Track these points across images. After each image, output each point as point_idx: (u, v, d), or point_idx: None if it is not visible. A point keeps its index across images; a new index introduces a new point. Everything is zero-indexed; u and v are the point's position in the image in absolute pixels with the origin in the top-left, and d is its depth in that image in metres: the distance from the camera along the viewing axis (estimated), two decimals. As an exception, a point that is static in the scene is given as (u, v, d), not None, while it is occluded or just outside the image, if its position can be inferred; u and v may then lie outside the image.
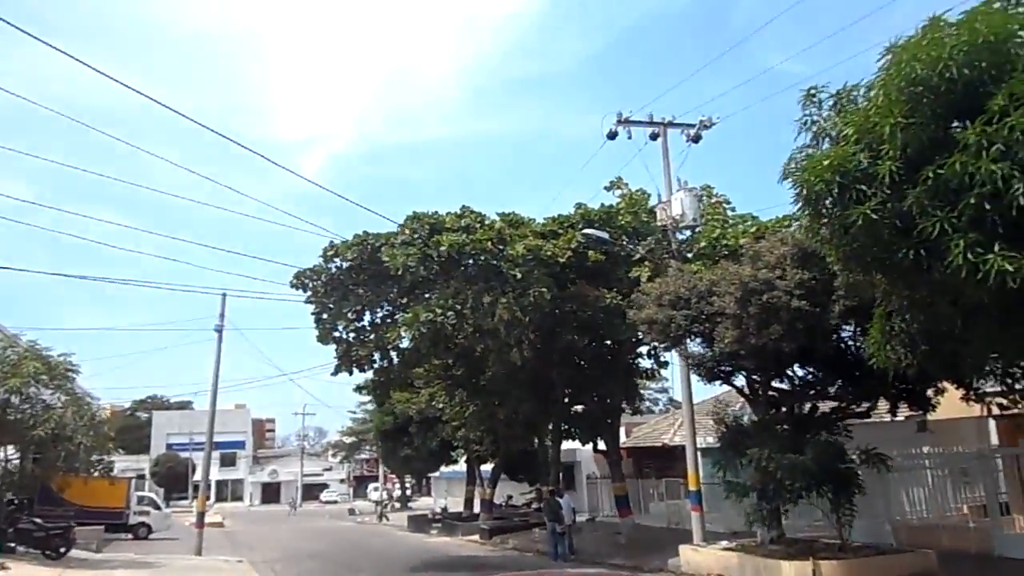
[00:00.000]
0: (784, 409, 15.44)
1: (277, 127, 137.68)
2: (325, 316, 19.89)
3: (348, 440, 77.27)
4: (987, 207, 6.46)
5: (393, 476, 60.47)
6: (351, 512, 53.61)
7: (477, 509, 33.61)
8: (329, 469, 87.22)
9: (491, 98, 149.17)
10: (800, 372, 15.12)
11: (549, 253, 18.73)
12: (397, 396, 34.02)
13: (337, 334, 19.88)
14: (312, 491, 77.63)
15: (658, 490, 26.56)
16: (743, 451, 14.00)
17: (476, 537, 28.21)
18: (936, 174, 6.71)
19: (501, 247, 18.59)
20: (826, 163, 7.42)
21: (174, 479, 71.43)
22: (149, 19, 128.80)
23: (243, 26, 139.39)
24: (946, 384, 13.33)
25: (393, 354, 20.23)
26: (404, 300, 19.79)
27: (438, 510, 39.81)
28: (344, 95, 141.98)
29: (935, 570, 13.17)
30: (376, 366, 20.61)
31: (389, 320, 20.12)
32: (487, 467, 33.46)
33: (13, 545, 19.36)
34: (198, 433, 60.77)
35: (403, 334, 18.96)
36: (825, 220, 8.04)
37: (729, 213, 20.17)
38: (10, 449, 20.28)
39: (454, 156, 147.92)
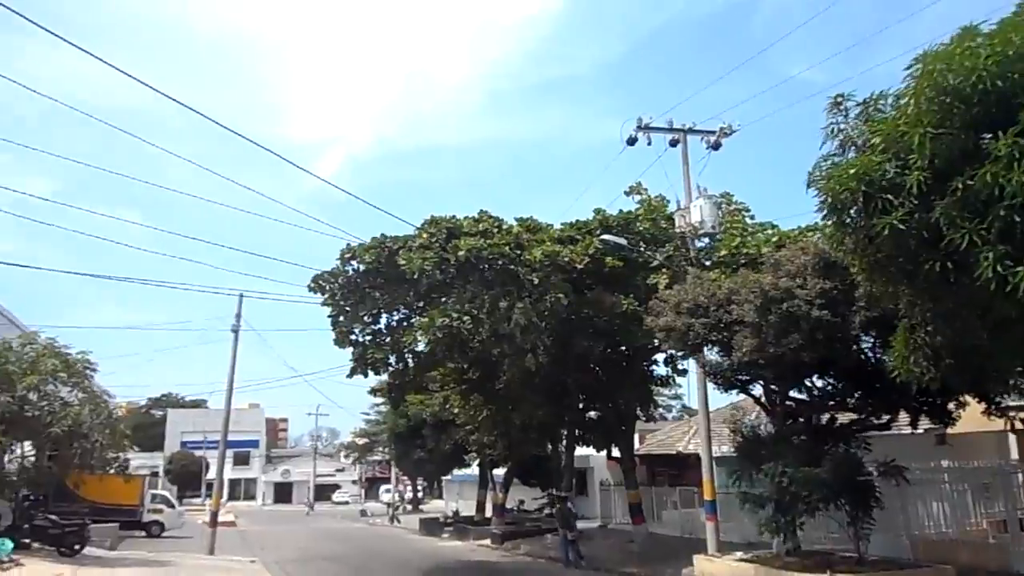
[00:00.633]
0: (802, 420, 15.32)
1: (293, 128, 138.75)
2: (342, 319, 19.95)
3: (361, 442, 77.40)
4: (1017, 219, 6.34)
5: (405, 478, 60.54)
6: (363, 513, 53.74)
7: (489, 513, 33.54)
8: (341, 470, 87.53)
9: (509, 102, 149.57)
10: (819, 383, 15.02)
11: (567, 259, 18.70)
12: (411, 399, 34.03)
13: (353, 337, 19.95)
14: (324, 492, 77.94)
15: (672, 498, 26.39)
16: (759, 462, 13.90)
17: (488, 542, 28.18)
18: (966, 185, 6.61)
19: (518, 252, 18.60)
20: (852, 172, 7.32)
21: (188, 477, 71.94)
22: (165, 19, 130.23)
23: (260, 27, 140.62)
24: (968, 398, 13.18)
25: (409, 357, 20.31)
26: (420, 304, 19.82)
27: (450, 513, 39.84)
28: (362, 97, 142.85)
29: (954, 586, 12.98)
30: (391, 369, 20.71)
31: (405, 323, 20.19)
32: (500, 471, 33.39)
33: (28, 541, 19.52)
34: (212, 432, 61.11)
35: (419, 338, 19.01)
36: (850, 230, 7.92)
37: (748, 221, 20.05)
38: (27, 446, 20.49)
39: (472, 160, 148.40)
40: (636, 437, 27.42)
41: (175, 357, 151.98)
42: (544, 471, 30.95)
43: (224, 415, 28.27)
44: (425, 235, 18.89)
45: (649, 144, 18.85)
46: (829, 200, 7.70)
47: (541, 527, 28.15)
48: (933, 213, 6.90)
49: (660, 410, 49.22)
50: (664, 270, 18.56)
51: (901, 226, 7.05)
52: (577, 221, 20.77)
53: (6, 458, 19.89)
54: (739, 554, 16.09)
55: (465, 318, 17.83)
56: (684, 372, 22.25)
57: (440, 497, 58.54)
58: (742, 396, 17.46)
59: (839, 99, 8.19)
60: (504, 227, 19.53)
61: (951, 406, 13.67)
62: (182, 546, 27.13)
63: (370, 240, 19.41)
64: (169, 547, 26.61)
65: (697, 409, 19.89)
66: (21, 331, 21.37)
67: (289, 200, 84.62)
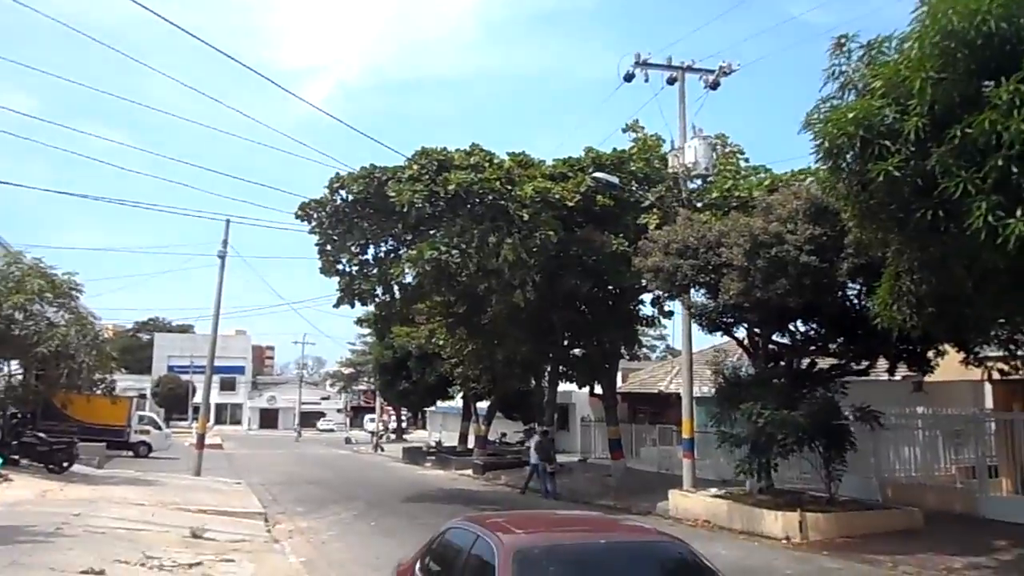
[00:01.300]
0: (783, 363, 15.52)
1: (281, 53, 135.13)
2: (329, 248, 19.85)
3: (347, 371, 78.32)
4: (1013, 169, 6.30)
5: (390, 408, 61.42)
6: (347, 441, 54.70)
7: (471, 445, 34.22)
8: (327, 398, 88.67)
9: (506, 32, 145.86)
10: (802, 327, 15.16)
11: (558, 196, 18.55)
12: (397, 331, 34.24)
13: (340, 267, 19.86)
14: (309, 419, 79.11)
15: (651, 436, 26.92)
16: (739, 403, 14.13)
17: (469, 472, 28.79)
18: (964, 133, 6.53)
19: (509, 187, 18.40)
20: (850, 116, 7.22)
21: (175, 400, 72.75)
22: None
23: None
24: (947, 347, 13.38)
25: (396, 289, 20.23)
26: (409, 236, 19.70)
27: (433, 444, 40.56)
28: (354, 23, 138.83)
29: (920, 528, 13.43)
30: (378, 300, 20.64)
31: (393, 255, 20.07)
32: (483, 404, 33.90)
33: (17, 458, 19.77)
34: (199, 356, 61.41)
35: (407, 270, 18.94)
36: (844, 175, 7.89)
37: (743, 164, 19.90)
38: (14, 364, 20.53)
39: (465, 92, 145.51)
40: (619, 375, 27.75)
41: (162, 282, 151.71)
42: (527, 405, 31.42)
43: (211, 340, 28.33)
44: (415, 167, 18.61)
45: (647, 81, 18.54)
46: (825, 144, 7.62)
47: (522, 459, 28.69)
48: (929, 160, 6.85)
49: (644, 350, 49.78)
50: (655, 210, 18.49)
51: (896, 173, 7.00)
52: (569, 158, 20.50)
53: (-7, 376, 19.97)
54: (713, 491, 16.50)
55: (453, 252, 17.76)
56: (670, 314, 22.39)
57: (424, 428, 59.59)
58: (726, 338, 17.67)
59: (843, 39, 8.01)
60: (496, 162, 19.23)
61: (930, 354, 13.87)
62: (169, 467, 27.58)
63: (359, 170, 19.13)
64: (156, 467, 27.05)
65: (681, 350, 20.15)
66: (6, 251, 21.13)
67: (277, 127, 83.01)
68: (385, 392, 47.34)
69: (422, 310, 25.50)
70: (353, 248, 19.82)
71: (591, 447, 31.13)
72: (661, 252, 14.68)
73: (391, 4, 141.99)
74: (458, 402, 38.88)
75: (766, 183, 17.47)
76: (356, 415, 79.06)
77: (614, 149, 20.61)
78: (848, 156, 7.59)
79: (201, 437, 26.99)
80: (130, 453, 31.48)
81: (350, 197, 19.29)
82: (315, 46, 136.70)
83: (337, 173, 19.36)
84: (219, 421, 78.10)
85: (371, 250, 20.30)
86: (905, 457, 16.84)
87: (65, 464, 20.28)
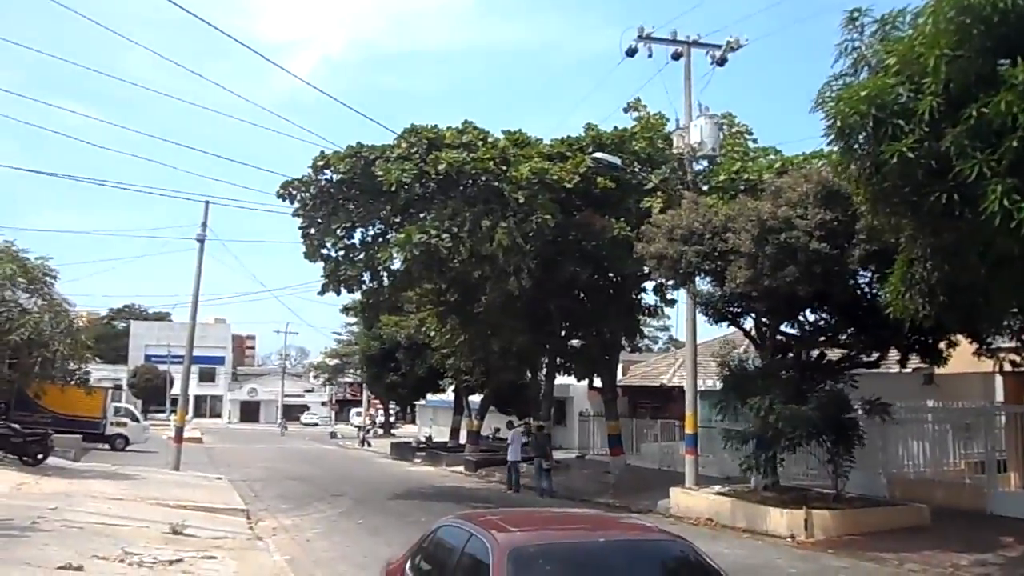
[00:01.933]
0: (791, 355, 15.65)
1: (263, 25, 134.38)
2: (313, 231, 19.88)
3: (332, 362, 78.34)
4: (1030, 152, 6.38)
5: (377, 401, 61.56)
6: (333, 436, 54.82)
7: (463, 440, 34.36)
8: (311, 391, 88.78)
9: (500, 4, 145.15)
10: (812, 317, 15.30)
11: (555, 177, 18.55)
12: (385, 320, 34.33)
13: (325, 251, 19.90)
14: (292, 412, 79.34)
15: (652, 431, 27.05)
16: (745, 396, 14.25)
17: (461, 468, 28.93)
18: (979, 113, 6.60)
19: (504, 168, 18.42)
20: (863, 94, 7.27)
21: (152, 392, 72.73)
22: None
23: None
24: (959, 337, 13.50)
25: (384, 275, 20.24)
26: (397, 219, 19.75)
27: (422, 439, 40.70)
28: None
29: (927, 524, 13.63)
30: (365, 287, 20.66)
31: (381, 239, 20.10)
32: (476, 398, 34.02)
33: (-11, 449, 19.78)
34: (177, 346, 61.50)
35: (395, 255, 18.93)
36: (856, 156, 7.94)
37: (751, 145, 19.95)
38: (-15, 353, 20.49)
39: (458, 67, 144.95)
40: (619, 368, 27.86)
41: (138, 267, 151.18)
42: (522, 399, 31.54)
43: (189, 329, 28.40)
44: (404, 145, 18.63)
45: (650, 56, 18.54)
46: (837, 124, 7.66)
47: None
48: (943, 141, 6.91)
49: (646, 341, 50.03)
50: (659, 193, 18.51)
51: (910, 154, 7.06)
52: (568, 137, 20.50)
53: (-37, 365, 19.96)
54: (717, 488, 16.66)
55: (444, 236, 17.76)
56: (673, 303, 22.57)
57: (413, 422, 59.74)
58: (732, 329, 17.77)
59: (855, 14, 8.06)
60: (490, 140, 19.28)
61: (942, 345, 14.01)
62: (147, 461, 27.67)
63: (345, 148, 19.14)
64: (134, 461, 27.13)
65: (684, 341, 20.23)
66: (-26, 232, 21.12)
67: (258, 103, 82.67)
68: (372, 385, 47.51)
69: (411, 298, 25.58)
70: (338, 231, 19.84)
71: (590, 443, 31.27)
72: (665, 238, 14.73)
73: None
74: (449, 395, 39.02)
75: (775, 165, 17.52)
76: (342, 409, 79.25)
77: (615, 128, 20.62)
78: (861, 136, 7.64)
79: (180, 430, 27.07)
80: (106, 446, 31.58)
81: (335, 177, 19.29)
82: (297, 18, 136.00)
83: (322, 152, 19.38)
84: (198, 414, 78.18)
85: (358, 234, 20.37)
86: (914, 452, 17.02)
87: (40, 456, 20.32)
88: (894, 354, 15.07)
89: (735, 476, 17.43)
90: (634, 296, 23.73)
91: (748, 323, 16.41)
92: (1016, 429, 14.77)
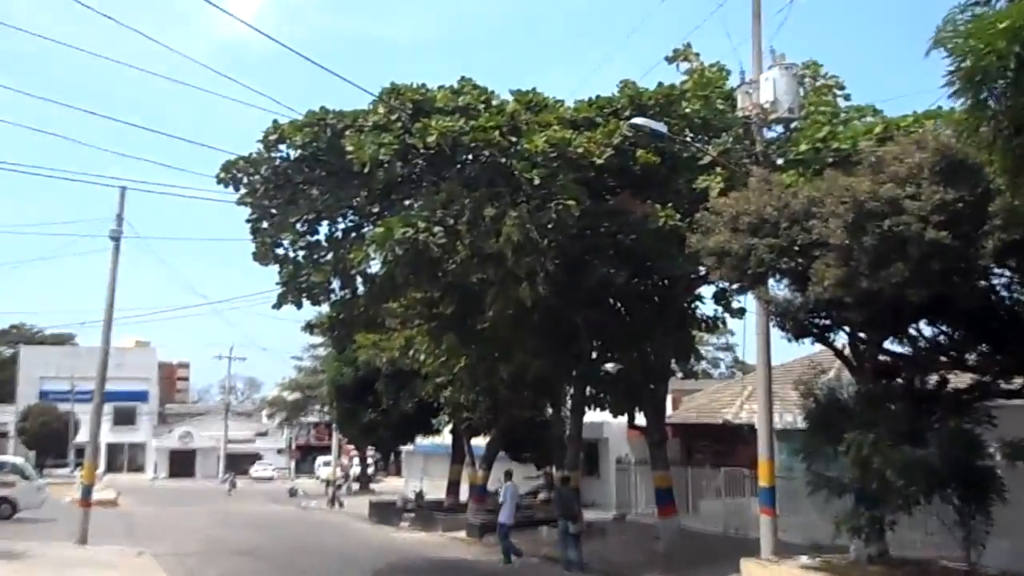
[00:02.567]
0: (900, 380, 15.50)
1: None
2: (265, 225, 19.93)
3: (291, 397, 78.71)
4: None
5: (351, 447, 61.68)
6: (293, 493, 55.07)
7: (464, 497, 34.31)
8: (264, 434, 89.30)
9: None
10: (927, 331, 15.12)
11: (581, 150, 18.48)
12: (361, 340, 34.19)
13: (281, 251, 19.96)
14: (240, 463, 79.62)
15: (714, 483, 26.96)
16: (838, 436, 14.08)
17: (462, 534, 28.84)
18: None
19: (513, 139, 18.40)
20: (1002, 26, 7.10)
21: (50, 439, 72.93)
22: None
23: None
24: None
25: (358, 282, 20.33)
26: (375, 208, 19.83)
27: (411, 495, 40.69)
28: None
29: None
30: (334, 298, 20.76)
31: (354, 235, 20.19)
32: (480, 441, 33.99)
33: None
34: (84, 378, 61.64)
35: (372, 255, 18.94)
36: (991, 112, 7.81)
37: (842, 104, 19.79)
38: None
39: (450, 8, 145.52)
40: (669, 400, 27.82)
41: (30, 275, 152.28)
42: (540, 442, 31.50)
43: (100, 355, 28.27)
44: (382, 111, 18.64)
45: (705, -12, 18.43)
46: (965, 68, 7.49)
47: (535, 516, 28.74)
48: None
49: (703, 364, 49.96)
50: (718, 170, 18.40)
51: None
52: (598, 98, 20.48)
53: None
54: (804, 559, 16.44)
55: (436, 230, 17.67)
56: (740, 313, 22.38)
57: (398, 474, 59.86)
58: (819, 347, 17.61)
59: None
60: (494, 103, 19.25)
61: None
62: (43, 532, 27.62)
63: (306, 116, 19.14)
64: (25, 533, 27.09)
65: (755, 364, 20.07)
66: None
67: (190, 56, 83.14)
68: (345, 425, 47.58)
69: (395, 311, 25.53)
70: (299, 225, 19.88)
71: (631, 499, 31.24)
72: (728, 228, 14.63)
73: None
74: (445, 438, 39.09)
75: (876, 130, 17.36)
76: (304, 457, 79.54)
77: (660, 85, 20.57)
78: (998, 84, 7.46)
79: (88, 490, 26.94)
80: (-13, 514, 31.59)
81: (293, 154, 19.33)
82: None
83: (275, 121, 19.34)
84: (113, 468, 78.63)
85: (323, 228, 20.41)
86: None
87: None
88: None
89: (827, 543, 17.21)
90: (687, 305, 23.67)
91: (840, 339, 16.26)
92: None
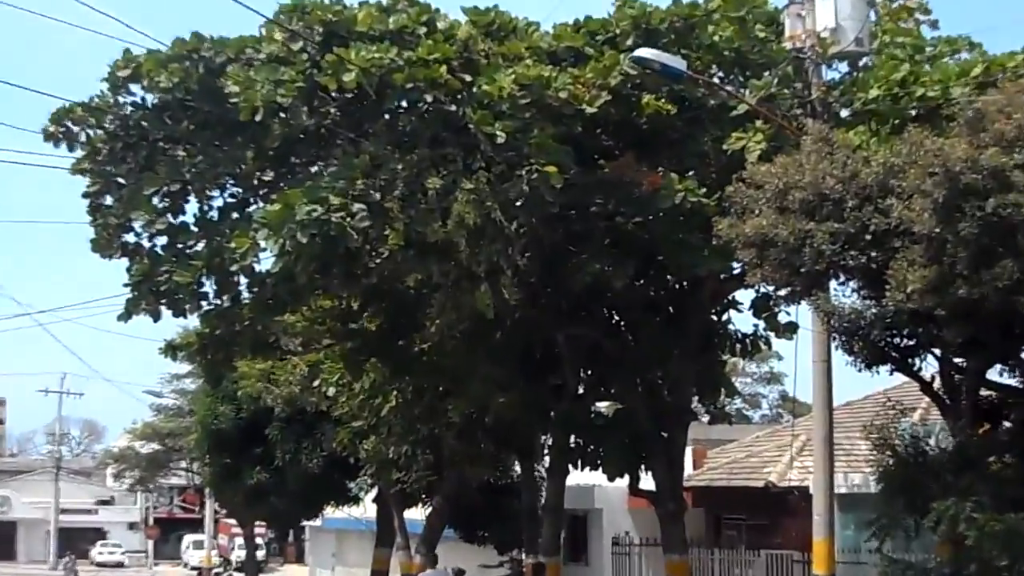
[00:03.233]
0: (1008, 425, 15.65)
1: None
2: (110, 201, 19.97)
3: (145, 449, 77.98)
4: None
5: (232, 521, 61.25)
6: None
7: (395, 595, 34.22)
8: (108, 502, 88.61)
9: None
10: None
11: (564, 95, 18.40)
12: (246, 368, 34.05)
13: (132, 237, 19.99)
14: (77, 541, 79.12)
15: (751, 570, 27.09)
16: (924, 504, 14.23)
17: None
18: None
19: (467, 78, 18.33)
20: None
21: None
22: None
23: None
24: None
25: (242, 284, 20.20)
26: (267, 176, 19.89)
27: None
28: None
29: None
30: (207, 307, 20.65)
31: (236, 215, 20.16)
32: (417, 514, 34.01)
33: None
34: None
35: (263, 243, 18.77)
36: None
37: (928, 34, 19.99)
38: None
39: None
40: (689, 454, 27.84)
41: None
42: (504, 516, 31.44)
43: None
44: (280, 38, 18.61)
45: None
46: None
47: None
48: None
49: (738, 403, 50.08)
50: (759, 124, 18.44)
51: None
52: (587, 20, 20.40)
53: None
54: None
55: (356, 208, 17.54)
56: (790, 330, 22.44)
57: (300, 560, 59.68)
58: (899, 378, 17.72)
59: None
60: (440, 27, 19.19)
61: None
62: None
63: (172, 45, 19.07)
64: None
65: (810, 403, 20.15)
66: None
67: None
68: (222, 490, 47.30)
69: (295, 326, 25.43)
70: (157, 200, 19.81)
71: (632, 595, 31.27)
72: (772, 207, 14.68)
73: None
74: (368, 510, 38.98)
75: (974, 71, 17.52)
76: (167, 535, 78.97)
77: (676, 1, 20.56)
78: None
79: None
80: None
81: (152, 98, 19.32)
82: None
83: (127, 51, 19.31)
84: None
85: (192, 204, 20.43)
86: None
87: None
88: None
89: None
90: (715, 318, 23.79)
91: (928, 367, 16.37)
92: None
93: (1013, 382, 15.71)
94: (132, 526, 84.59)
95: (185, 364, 44.92)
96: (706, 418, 29.30)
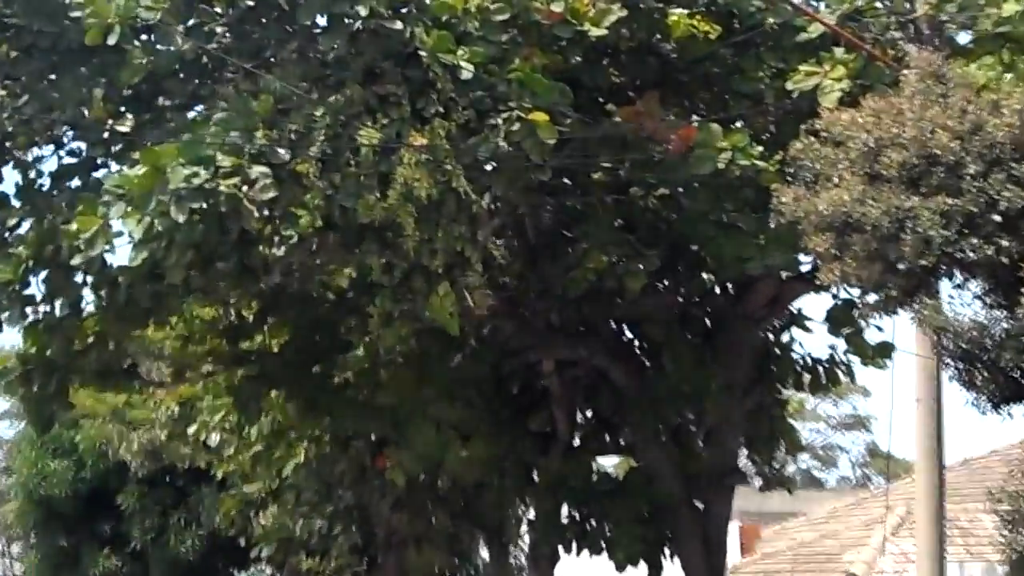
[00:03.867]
0: None
1: None
2: None
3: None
4: None
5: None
6: None
7: None
8: None
9: None
10: None
11: (557, 7, 18.50)
12: (90, 405, 34.01)
13: None
14: None
15: None
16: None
17: None
18: None
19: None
20: None
21: None
22: None
23: None
24: None
25: (84, 283, 20.15)
26: (123, 126, 19.71)
27: None
28: None
29: None
30: (33, 316, 20.74)
31: (78, 181, 20.16)
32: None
33: None
34: None
35: (116, 224, 18.77)
36: None
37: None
38: None
39: None
40: (735, 531, 27.97)
41: None
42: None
43: None
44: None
45: None
46: None
47: None
48: None
49: (804, 460, 50.28)
50: (839, 53, 18.59)
51: None
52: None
53: None
54: None
55: (255, 171, 17.62)
56: (884, 354, 22.52)
57: None
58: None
59: None
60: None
61: None
62: None
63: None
64: None
65: (911, 461, 20.28)
66: None
67: None
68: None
69: (161, 344, 25.41)
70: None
71: None
72: (859, 174, 14.74)
73: None
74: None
75: None
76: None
77: None
78: None
79: None
80: None
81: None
82: None
83: None
84: None
85: (11, 167, 20.43)
86: None
87: None
88: None
89: None
90: (771, 336, 23.87)
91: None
92: None
93: None
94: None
95: (2, 399, 44.85)
96: (758, 482, 29.35)
